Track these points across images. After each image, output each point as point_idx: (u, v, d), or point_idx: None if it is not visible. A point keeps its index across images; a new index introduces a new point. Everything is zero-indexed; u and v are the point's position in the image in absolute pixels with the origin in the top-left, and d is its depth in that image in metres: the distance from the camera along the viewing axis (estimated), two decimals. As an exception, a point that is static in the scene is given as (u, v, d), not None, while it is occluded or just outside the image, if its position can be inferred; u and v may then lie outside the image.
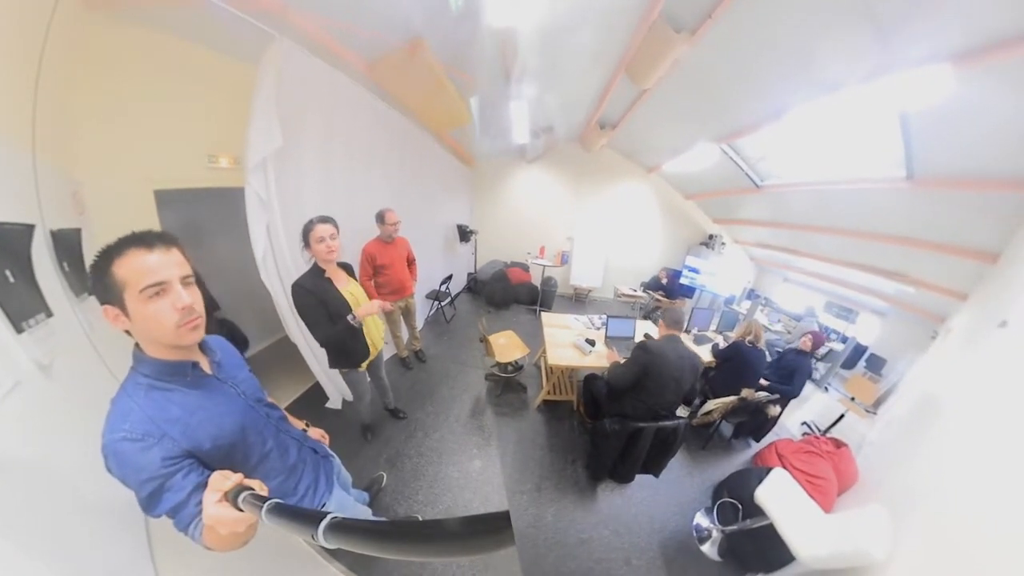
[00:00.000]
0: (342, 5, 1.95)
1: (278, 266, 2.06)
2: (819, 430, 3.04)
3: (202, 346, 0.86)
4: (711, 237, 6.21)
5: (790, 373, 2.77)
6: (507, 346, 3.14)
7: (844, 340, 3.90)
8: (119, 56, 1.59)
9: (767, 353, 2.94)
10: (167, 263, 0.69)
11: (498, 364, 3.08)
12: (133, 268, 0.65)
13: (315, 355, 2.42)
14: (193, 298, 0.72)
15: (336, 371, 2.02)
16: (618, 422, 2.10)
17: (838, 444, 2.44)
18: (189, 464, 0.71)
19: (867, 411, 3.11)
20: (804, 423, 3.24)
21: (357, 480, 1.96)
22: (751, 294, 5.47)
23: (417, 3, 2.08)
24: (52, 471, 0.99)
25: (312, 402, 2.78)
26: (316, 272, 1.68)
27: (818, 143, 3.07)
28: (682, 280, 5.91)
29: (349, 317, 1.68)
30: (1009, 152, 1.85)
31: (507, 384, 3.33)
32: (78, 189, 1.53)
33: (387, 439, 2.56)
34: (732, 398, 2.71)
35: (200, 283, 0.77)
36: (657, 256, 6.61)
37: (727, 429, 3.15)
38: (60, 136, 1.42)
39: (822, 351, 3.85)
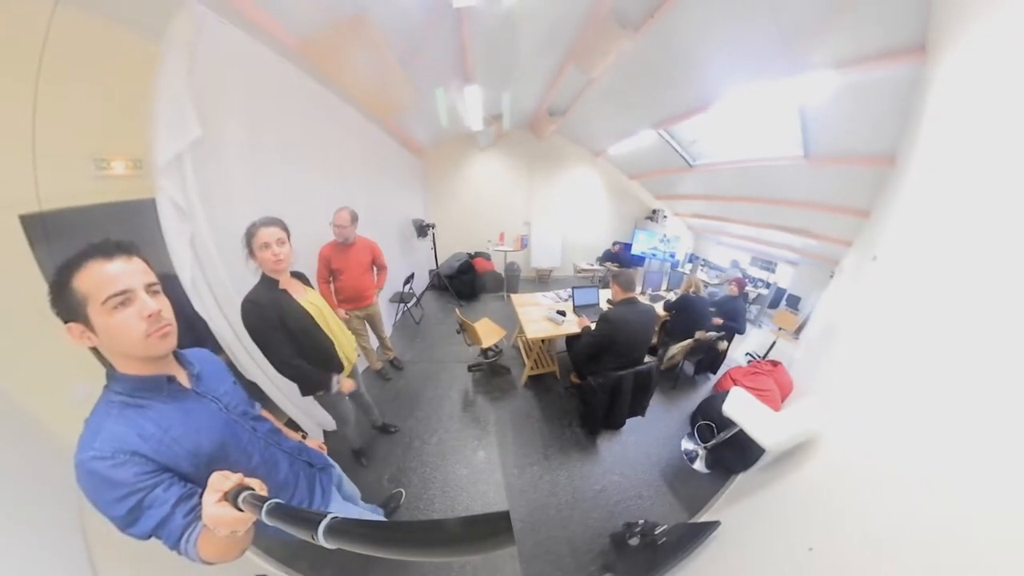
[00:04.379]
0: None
1: (213, 289, 1.59)
2: (759, 356, 3.53)
3: (180, 359, 0.83)
4: (654, 211, 6.63)
5: (734, 316, 3.34)
6: (485, 331, 3.08)
7: (768, 286, 4.60)
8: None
9: (708, 300, 3.43)
10: (129, 272, 0.66)
11: (481, 351, 3.10)
12: (94, 280, 0.62)
13: (277, 385, 1.91)
14: (161, 305, 0.69)
15: (310, 399, 1.68)
16: (601, 376, 2.26)
17: (775, 364, 2.88)
18: (169, 477, 0.67)
19: (792, 337, 3.64)
20: (747, 353, 3.78)
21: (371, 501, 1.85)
22: (692, 257, 6.22)
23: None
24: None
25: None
26: (268, 284, 1.41)
27: (738, 128, 3.61)
28: (633, 250, 6.42)
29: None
30: (868, 137, 2.49)
31: (491, 370, 3.31)
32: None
33: (384, 458, 2.35)
34: (688, 341, 3.06)
35: None
36: (608, 231, 6.97)
37: (689, 368, 3.63)
38: None
39: (752, 295, 4.62)
